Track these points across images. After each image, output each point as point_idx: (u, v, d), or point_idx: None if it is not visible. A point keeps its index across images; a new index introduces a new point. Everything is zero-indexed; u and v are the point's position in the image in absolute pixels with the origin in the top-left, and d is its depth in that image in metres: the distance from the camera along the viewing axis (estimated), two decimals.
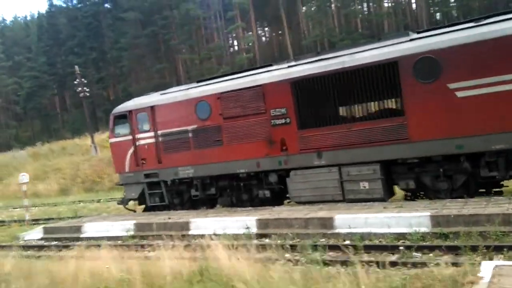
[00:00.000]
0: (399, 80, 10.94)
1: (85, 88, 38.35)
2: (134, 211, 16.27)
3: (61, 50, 77.09)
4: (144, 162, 15.10)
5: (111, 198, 24.76)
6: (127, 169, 15.48)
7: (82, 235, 13.87)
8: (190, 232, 11.91)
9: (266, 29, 74.76)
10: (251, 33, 66.22)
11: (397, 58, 10.92)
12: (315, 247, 8.83)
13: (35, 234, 15.13)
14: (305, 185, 12.35)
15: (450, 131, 10.42)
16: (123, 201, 16.04)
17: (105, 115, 74.16)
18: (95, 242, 12.09)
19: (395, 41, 11.32)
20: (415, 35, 11.29)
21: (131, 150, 15.33)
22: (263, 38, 75.69)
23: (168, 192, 14.95)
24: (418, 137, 10.81)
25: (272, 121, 12.71)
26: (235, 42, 72.58)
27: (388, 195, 11.70)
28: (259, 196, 13.44)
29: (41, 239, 14.60)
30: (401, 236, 9.14)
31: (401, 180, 11.44)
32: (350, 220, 9.95)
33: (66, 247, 12.55)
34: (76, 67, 41.20)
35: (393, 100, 11.35)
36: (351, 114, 12.25)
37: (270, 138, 12.78)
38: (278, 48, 70.34)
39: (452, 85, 10.32)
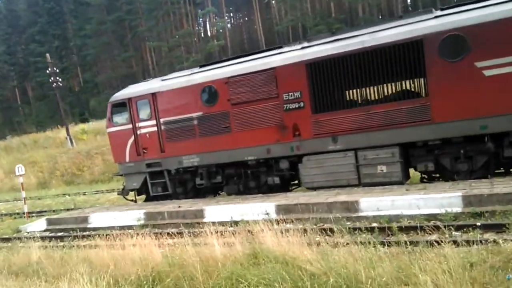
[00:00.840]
0: (423, 59, 10.83)
1: (58, 78, 37.02)
2: (135, 201, 15.93)
3: (21, 38, 74.31)
4: (146, 151, 14.77)
5: (96, 191, 24.19)
6: (127, 159, 15.11)
7: (89, 226, 13.57)
8: (205, 220, 11.75)
9: (237, 15, 74.02)
10: (220, 19, 65.63)
11: (422, 36, 10.78)
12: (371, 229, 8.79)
13: (37, 225, 14.68)
14: (319, 171, 12.33)
15: (474, 111, 10.41)
16: (124, 192, 15.67)
17: (70, 108, 72.04)
18: (123, 231, 11.76)
19: (419, 18, 11.16)
20: (439, 12, 11.18)
21: (131, 140, 14.96)
22: (230, 25, 74.99)
23: (171, 181, 14.70)
24: (441, 118, 10.78)
25: (285, 105, 12.57)
26: (206, 29, 71.64)
27: (405, 178, 11.84)
28: (268, 183, 13.38)
29: (45, 230, 14.17)
30: (431, 217, 9.26)
31: (420, 163, 11.49)
32: (376, 203, 9.99)
33: (85, 237, 12.15)
34: (48, 55, 39.69)
35: (416, 80, 11.29)
36: (370, 96, 12.24)
37: (282, 123, 12.66)
38: (248, 35, 70.05)
39: (480, 64, 10.27)
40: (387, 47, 11.25)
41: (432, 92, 10.92)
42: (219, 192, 15.14)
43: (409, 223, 9.32)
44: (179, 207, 12.82)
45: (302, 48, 12.67)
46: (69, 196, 24.40)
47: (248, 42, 67.70)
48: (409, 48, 11.03)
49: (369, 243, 6.77)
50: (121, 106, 15.22)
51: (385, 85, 12.01)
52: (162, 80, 14.85)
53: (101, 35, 69.24)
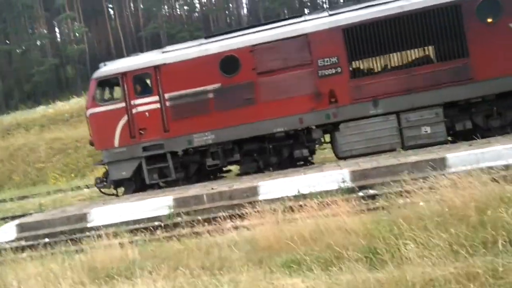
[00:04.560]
0: (462, 22, 10.85)
1: None
2: (116, 195, 12.61)
3: None
4: (143, 132, 11.78)
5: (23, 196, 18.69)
6: (116, 143, 11.83)
7: (89, 225, 10.08)
8: (260, 198, 9.65)
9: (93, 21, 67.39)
10: (79, 24, 59.15)
11: (460, 1, 10.83)
12: None
13: (2, 235, 10.47)
14: (358, 137, 11.27)
15: (511, 68, 10.67)
16: (107, 182, 12.21)
17: None
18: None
19: None
20: None
21: (123, 120, 11.80)
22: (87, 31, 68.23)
23: (174, 165, 11.95)
24: (481, 76, 10.82)
25: (320, 72, 11.26)
26: (62, 33, 63.78)
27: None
28: (296, 156, 11.77)
29: (18, 239, 10.16)
30: None
31: (458, 122, 11.23)
32: (465, 157, 9.29)
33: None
34: None
35: (456, 42, 10.99)
36: (411, 58, 11.70)
37: (316, 90, 11.30)
38: (103, 41, 64.24)
39: None
40: (426, 11, 10.96)
41: (472, 53, 10.89)
42: (221, 174, 12.92)
43: None
44: (212, 189, 10.40)
45: (331, 15, 11.57)
46: None
47: (105, 48, 62.21)
48: (449, 12, 10.91)
49: None
50: (110, 82, 12.11)
51: (426, 47, 11.66)
52: (164, 52, 12.10)
53: None
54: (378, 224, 5.84)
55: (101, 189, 12.55)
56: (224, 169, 12.76)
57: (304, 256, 5.34)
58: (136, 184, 12.25)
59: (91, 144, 12.54)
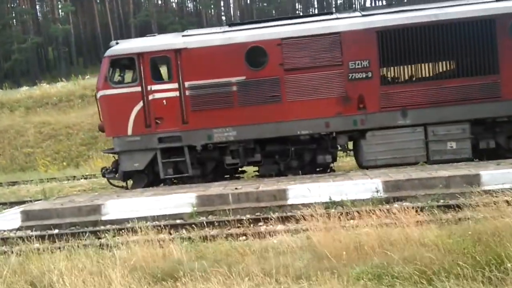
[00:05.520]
0: (495, 38, 10.61)
1: None
2: (126, 187, 11.97)
3: None
4: (160, 122, 11.18)
5: (13, 182, 17.68)
6: (130, 132, 11.17)
7: (103, 218, 9.39)
8: (289, 202, 9.24)
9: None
10: (65, 2, 57.28)
11: (495, 16, 10.59)
12: None
13: (4, 222, 9.71)
14: (384, 147, 10.96)
15: None
16: (118, 174, 11.48)
17: None
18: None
19: None
20: None
21: (138, 107, 11.14)
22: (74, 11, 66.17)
23: (191, 160, 11.38)
24: (509, 95, 10.65)
25: (350, 75, 10.89)
26: (44, 10, 61.58)
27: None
28: (318, 162, 11.39)
29: (24, 228, 9.39)
30: None
31: (482, 140, 11.06)
32: (499, 176, 9.10)
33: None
34: None
35: (487, 57, 10.76)
36: (442, 70, 11.43)
37: (346, 94, 10.95)
38: (90, 24, 62.53)
39: None
40: (460, 22, 10.70)
41: (503, 70, 10.70)
42: (237, 174, 12.40)
43: None
44: (236, 189, 9.92)
45: (364, 15, 11.20)
46: None
47: (91, 32, 60.50)
48: (482, 25, 10.67)
49: None
50: (124, 62, 11.36)
51: (457, 60, 11.31)
52: (184, 36, 11.44)
53: None
54: (453, 235, 5.53)
55: (110, 180, 11.89)
56: (240, 169, 12.23)
57: (384, 269, 4.96)
58: (149, 178, 11.62)
59: (101, 129, 11.80)
